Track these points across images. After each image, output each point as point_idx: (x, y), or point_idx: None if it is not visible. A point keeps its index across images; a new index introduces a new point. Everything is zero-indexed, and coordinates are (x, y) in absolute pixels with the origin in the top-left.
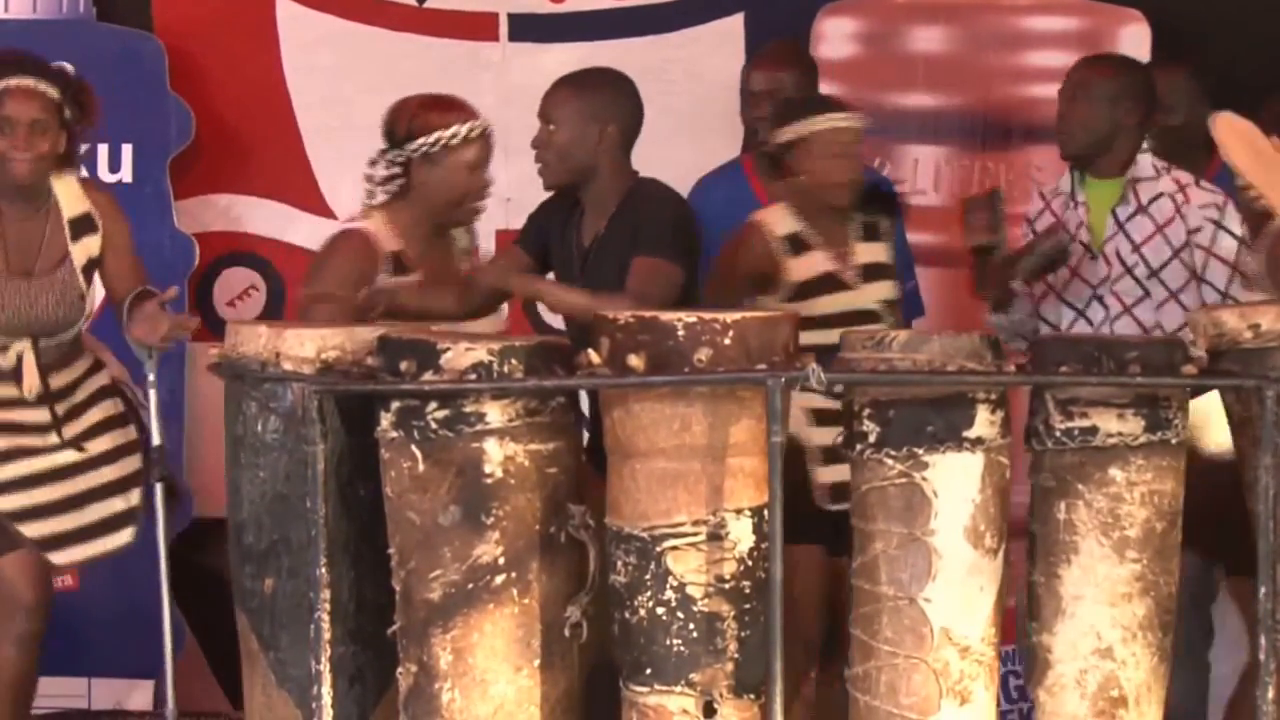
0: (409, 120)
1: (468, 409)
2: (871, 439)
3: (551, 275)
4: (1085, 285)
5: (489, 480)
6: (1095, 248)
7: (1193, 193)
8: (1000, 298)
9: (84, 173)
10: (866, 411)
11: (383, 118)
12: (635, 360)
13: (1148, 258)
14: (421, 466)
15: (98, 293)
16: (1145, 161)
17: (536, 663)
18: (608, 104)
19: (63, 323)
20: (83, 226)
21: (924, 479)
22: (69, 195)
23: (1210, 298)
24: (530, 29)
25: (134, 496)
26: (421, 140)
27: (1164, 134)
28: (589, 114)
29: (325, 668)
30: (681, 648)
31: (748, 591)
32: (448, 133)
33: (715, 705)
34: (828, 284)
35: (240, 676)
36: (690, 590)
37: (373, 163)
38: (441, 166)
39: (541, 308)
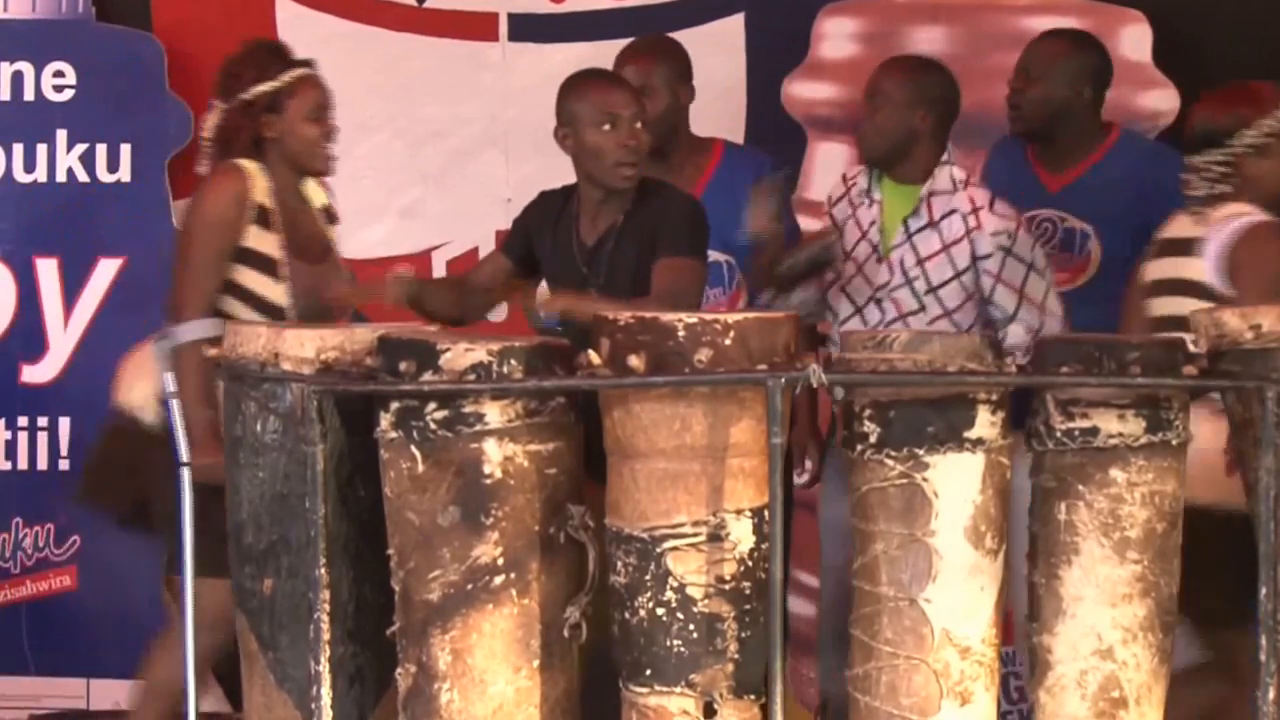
0: (237, 74)
1: (467, 409)
2: (872, 439)
3: (548, 276)
4: (868, 285)
5: (488, 481)
6: (883, 250)
7: (985, 217)
8: (780, 285)
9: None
10: (867, 412)
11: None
12: (635, 361)
13: (929, 273)
14: (421, 467)
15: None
16: (944, 175)
17: (536, 663)
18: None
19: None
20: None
21: (924, 480)
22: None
23: (998, 318)
24: (530, 29)
25: None
26: (257, 91)
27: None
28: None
29: (324, 668)
30: (682, 648)
31: (748, 592)
32: (279, 82)
33: (716, 706)
34: None
35: (240, 677)
36: (690, 591)
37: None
38: (284, 118)
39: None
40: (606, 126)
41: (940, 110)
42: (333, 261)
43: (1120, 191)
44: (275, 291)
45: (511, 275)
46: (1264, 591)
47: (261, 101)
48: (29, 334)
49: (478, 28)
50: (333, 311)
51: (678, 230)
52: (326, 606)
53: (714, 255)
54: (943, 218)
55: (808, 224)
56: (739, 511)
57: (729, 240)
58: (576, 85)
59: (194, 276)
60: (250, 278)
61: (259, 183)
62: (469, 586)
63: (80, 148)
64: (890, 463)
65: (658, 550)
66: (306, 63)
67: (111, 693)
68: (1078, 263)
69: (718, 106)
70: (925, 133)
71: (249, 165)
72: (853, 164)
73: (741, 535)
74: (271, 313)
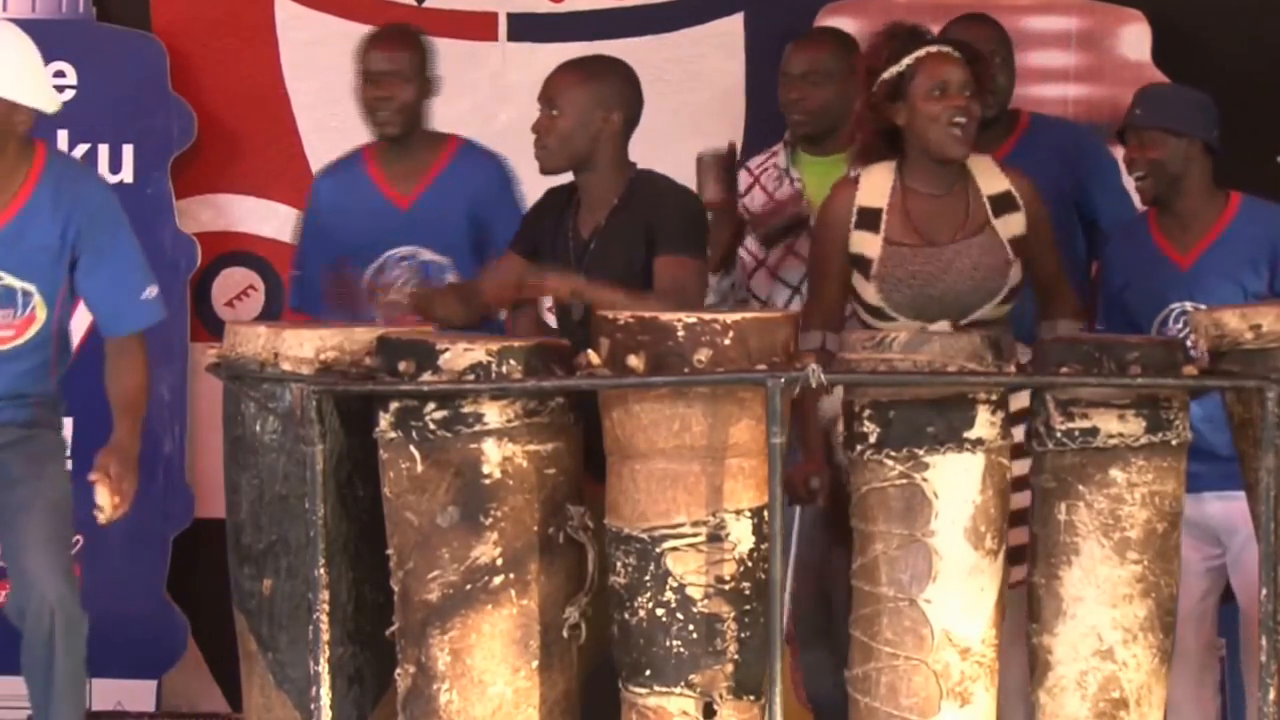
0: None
1: (466, 410)
2: (872, 440)
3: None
4: (800, 262)
5: (487, 481)
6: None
7: None
8: (725, 259)
9: None
10: (867, 412)
11: None
12: (635, 361)
13: None
14: (420, 467)
15: None
16: None
17: (535, 664)
18: (614, 91)
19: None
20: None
21: (924, 480)
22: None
23: None
24: (529, 29)
25: None
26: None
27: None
28: (594, 100)
29: (324, 668)
30: (681, 649)
31: (747, 592)
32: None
33: (715, 706)
34: None
35: (239, 677)
36: (690, 591)
37: None
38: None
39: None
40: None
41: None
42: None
43: (1042, 168)
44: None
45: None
46: (1264, 592)
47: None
48: None
49: (477, 27)
50: None
51: (676, 227)
52: (326, 607)
53: (430, 256)
54: None
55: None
56: (738, 512)
57: (449, 242)
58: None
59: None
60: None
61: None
62: (468, 587)
63: (82, 148)
64: (890, 463)
65: (657, 550)
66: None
67: (112, 693)
68: None
69: (717, 106)
70: (853, 104)
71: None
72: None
73: (741, 535)
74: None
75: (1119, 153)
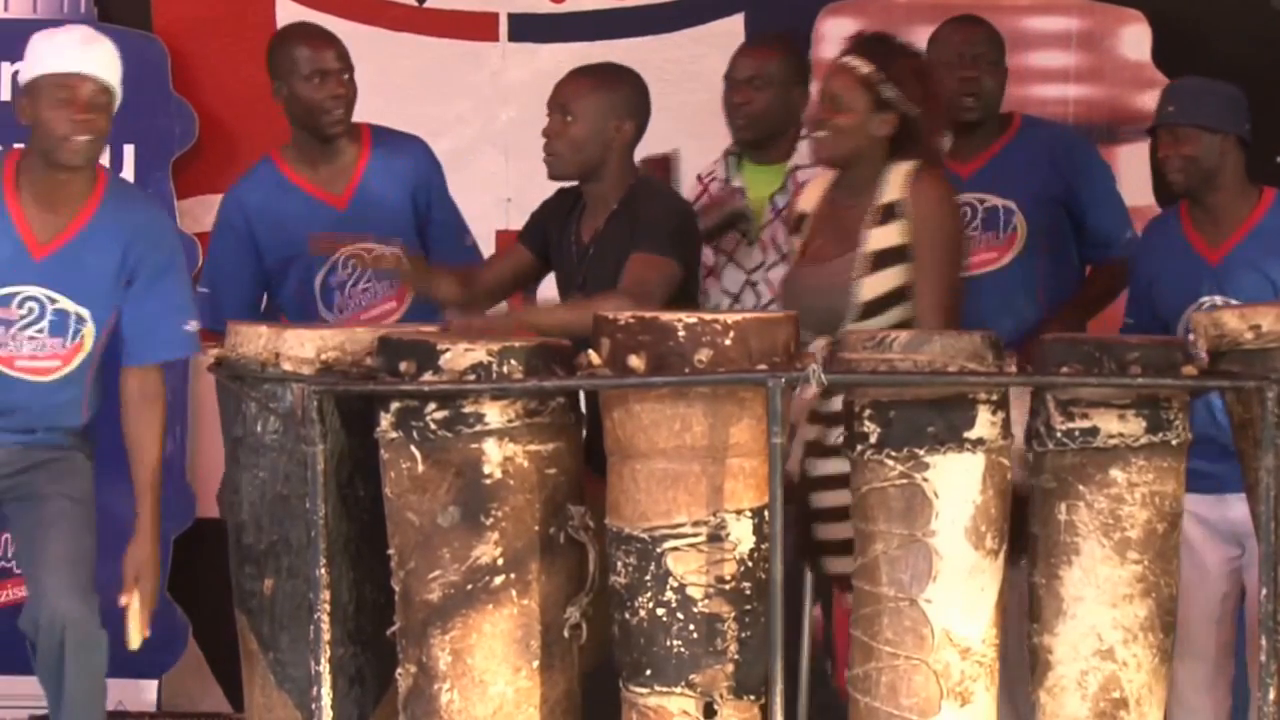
0: None
1: (467, 410)
2: (872, 440)
3: (554, 273)
4: (741, 271)
5: (488, 481)
6: (753, 235)
7: None
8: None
9: None
10: (867, 412)
11: None
12: (635, 361)
13: None
14: (421, 467)
15: None
16: (805, 148)
17: (536, 664)
18: (627, 100)
19: None
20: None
21: (925, 480)
22: None
23: None
24: (530, 29)
25: None
26: None
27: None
28: (608, 108)
29: (325, 668)
30: (682, 649)
31: (748, 592)
32: None
33: (716, 706)
34: None
35: (240, 677)
36: (690, 591)
37: None
38: None
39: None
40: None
41: (807, 89)
42: None
43: (1032, 170)
44: None
45: (530, 266)
46: (1264, 593)
47: None
48: None
49: (478, 28)
50: None
51: (655, 227)
52: (327, 607)
53: (379, 249)
54: (799, 190)
55: None
56: (739, 512)
57: (394, 229)
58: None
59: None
60: None
61: None
62: (469, 587)
63: None
64: (890, 463)
65: (658, 550)
66: None
67: (113, 692)
68: (1006, 237)
69: (717, 106)
70: (799, 112)
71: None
72: None
73: (741, 535)
74: None
75: (1123, 152)
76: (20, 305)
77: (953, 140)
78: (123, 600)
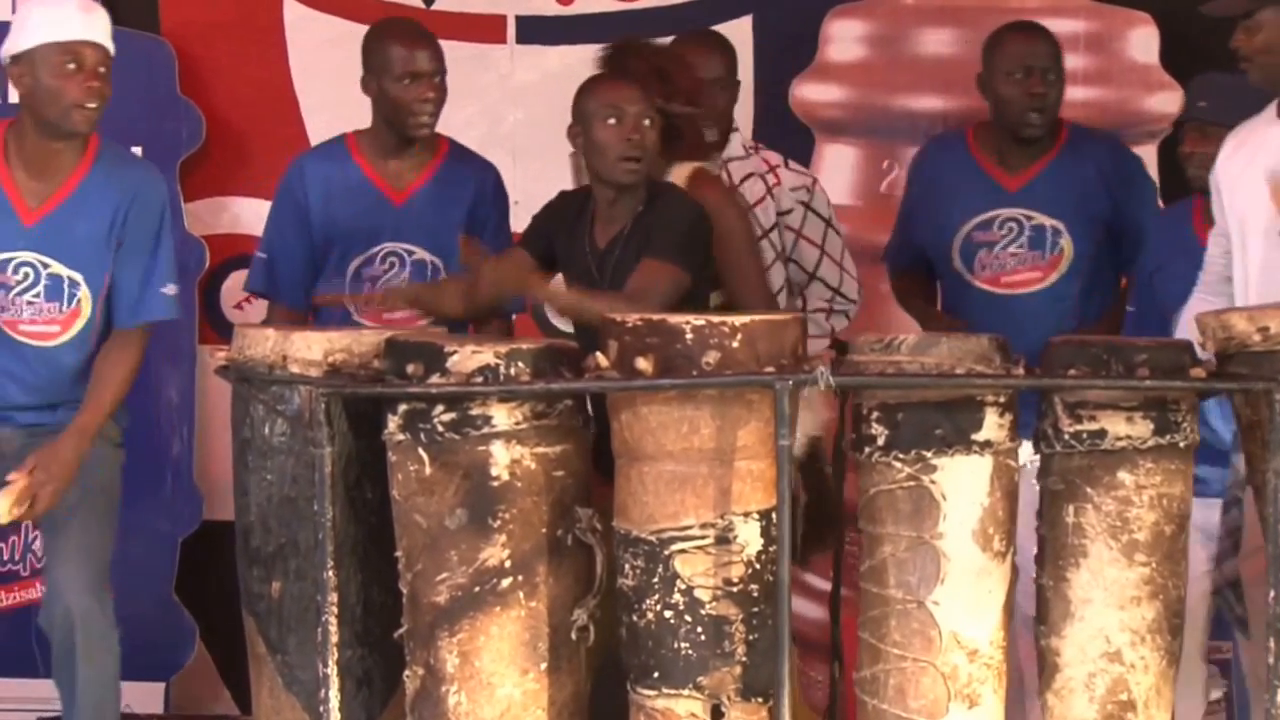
0: None
1: (474, 412)
2: (880, 442)
3: (559, 276)
4: None
5: (496, 483)
6: None
7: (783, 174)
8: None
9: None
10: (874, 414)
11: None
12: (643, 363)
13: None
14: (428, 469)
15: None
16: (735, 141)
17: (543, 666)
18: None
19: None
20: None
21: (932, 482)
22: None
23: (798, 278)
24: (538, 31)
25: None
26: None
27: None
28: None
29: (333, 671)
30: (689, 651)
31: (756, 595)
32: None
33: (723, 709)
34: None
35: (248, 679)
36: (698, 593)
37: None
38: None
39: (550, 311)
40: (611, 121)
41: (736, 85)
42: None
43: (1081, 188)
44: None
45: (534, 270)
46: (1272, 595)
47: None
48: None
49: (486, 30)
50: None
51: (667, 233)
52: (334, 609)
53: (423, 255)
54: (742, 181)
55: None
56: (747, 514)
57: (443, 242)
58: (587, 84)
59: None
60: None
61: None
62: (476, 589)
63: None
64: (898, 465)
65: (665, 553)
66: None
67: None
68: (1051, 259)
69: None
70: (726, 107)
71: None
72: (861, 166)
73: (749, 538)
74: None
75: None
76: (15, 271)
77: (1002, 151)
78: (10, 475)
